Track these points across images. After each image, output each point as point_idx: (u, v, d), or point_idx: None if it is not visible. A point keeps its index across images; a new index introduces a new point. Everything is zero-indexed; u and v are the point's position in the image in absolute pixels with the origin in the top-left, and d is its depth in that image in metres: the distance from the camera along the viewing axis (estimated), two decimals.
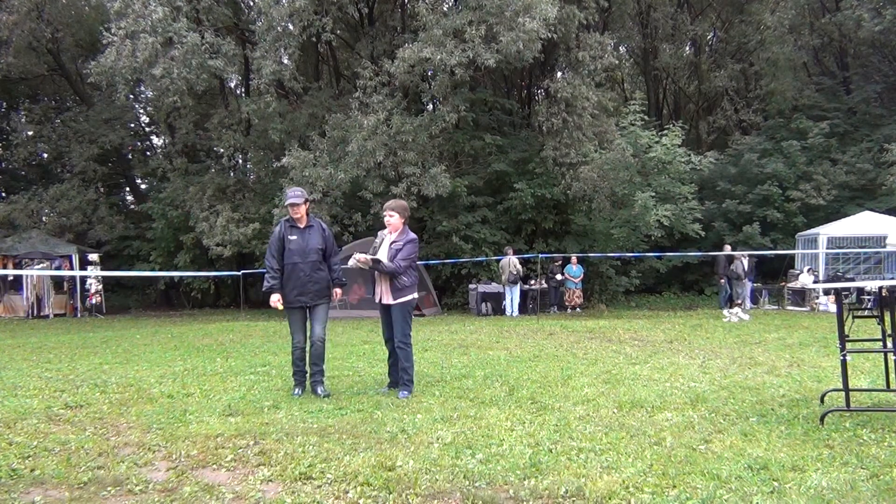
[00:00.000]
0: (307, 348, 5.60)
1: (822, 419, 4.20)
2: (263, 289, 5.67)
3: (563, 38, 16.48)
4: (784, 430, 4.10)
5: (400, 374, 5.53)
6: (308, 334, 5.61)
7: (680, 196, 16.93)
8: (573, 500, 3.01)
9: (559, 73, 18.25)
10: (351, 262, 5.60)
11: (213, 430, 4.29)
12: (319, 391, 5.48)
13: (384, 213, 5.76)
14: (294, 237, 5.58)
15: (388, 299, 5.55)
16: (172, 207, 19.46)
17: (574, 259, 16.68)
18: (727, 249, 16.24)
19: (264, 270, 5.66)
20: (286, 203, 5.63)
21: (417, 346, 8.14)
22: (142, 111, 25.83)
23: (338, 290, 5.85)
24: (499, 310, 15.76)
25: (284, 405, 5.10)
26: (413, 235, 5.68)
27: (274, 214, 15.63)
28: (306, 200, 5.69)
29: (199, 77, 15.45)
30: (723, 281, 16.61)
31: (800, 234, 18.42)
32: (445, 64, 14.27)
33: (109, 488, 3.27)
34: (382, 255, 5.53)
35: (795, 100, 22.48)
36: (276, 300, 5.54)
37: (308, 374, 5.62)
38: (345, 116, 16.04)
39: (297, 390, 5.55)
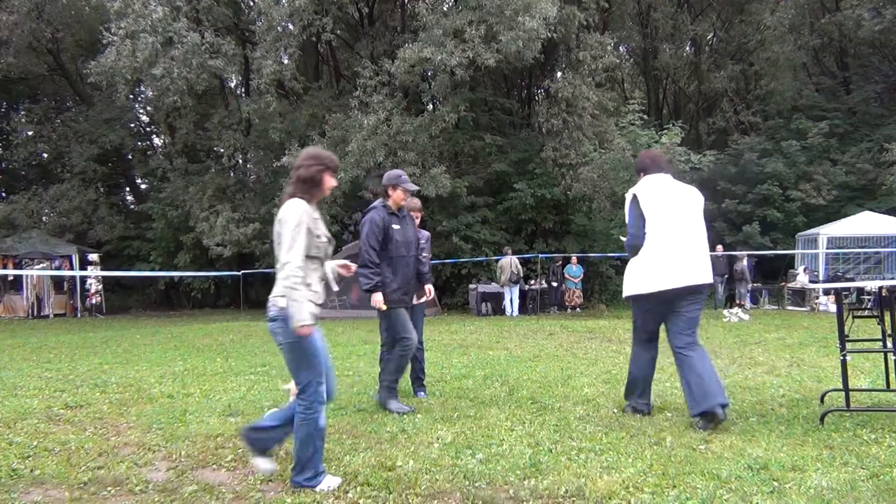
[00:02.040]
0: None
1: (822, 419, 4.20)
2: (365, 287, 4.74)
3: (563, 38, 16.50)
4: (784, 430, 4.10)
5: (418, 375, 5.42)
6: None
7: None
8: (573, 500, 3.01)
9: (559, 73, 18.24)
10: None
11: (213, 430, 4.29)
12: (411, 403, 4.96)
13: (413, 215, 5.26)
14: (398, 226, 4.85)
15: (413, 299, 5.27)
16: (172, 207, 19.46)
17: (574, 259, 16.67)
18: (719, 250, 16.34)
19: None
20: (403, 186, 4.81)
21: None
22: (142, 111, 25.83)
23: (429, 288, 5.20)
24: (499, 310, 15.75)
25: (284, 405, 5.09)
26: (427, 233, 5.56)
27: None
28: None
29: (199, 77, 15.49)
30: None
31: (800, 234, 18.41)
32: (445, 64, 14.28)
33: (109, 488, 3.27)
34: None
35: (795, 100, 22.47)
36: (381, 300, 4.73)
37: (385, 379, 4.93)
38: (345, 116, 16.04)
39: (412, 404, 4.85)
